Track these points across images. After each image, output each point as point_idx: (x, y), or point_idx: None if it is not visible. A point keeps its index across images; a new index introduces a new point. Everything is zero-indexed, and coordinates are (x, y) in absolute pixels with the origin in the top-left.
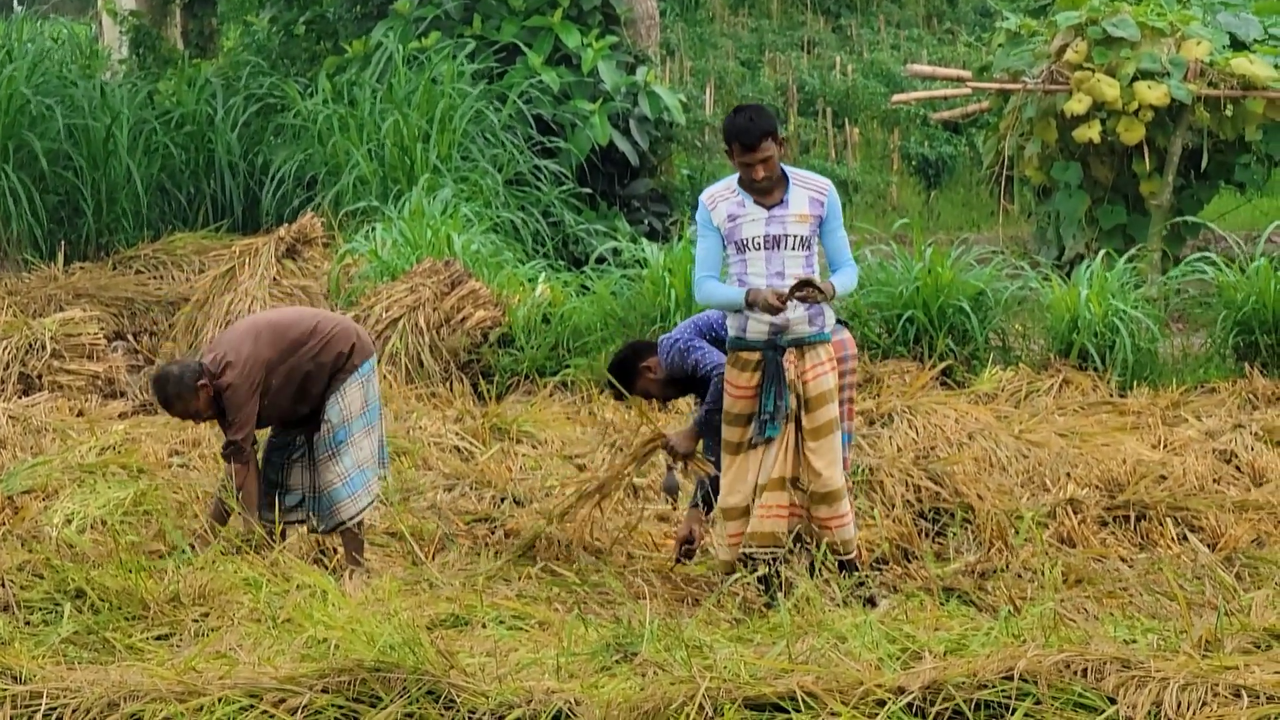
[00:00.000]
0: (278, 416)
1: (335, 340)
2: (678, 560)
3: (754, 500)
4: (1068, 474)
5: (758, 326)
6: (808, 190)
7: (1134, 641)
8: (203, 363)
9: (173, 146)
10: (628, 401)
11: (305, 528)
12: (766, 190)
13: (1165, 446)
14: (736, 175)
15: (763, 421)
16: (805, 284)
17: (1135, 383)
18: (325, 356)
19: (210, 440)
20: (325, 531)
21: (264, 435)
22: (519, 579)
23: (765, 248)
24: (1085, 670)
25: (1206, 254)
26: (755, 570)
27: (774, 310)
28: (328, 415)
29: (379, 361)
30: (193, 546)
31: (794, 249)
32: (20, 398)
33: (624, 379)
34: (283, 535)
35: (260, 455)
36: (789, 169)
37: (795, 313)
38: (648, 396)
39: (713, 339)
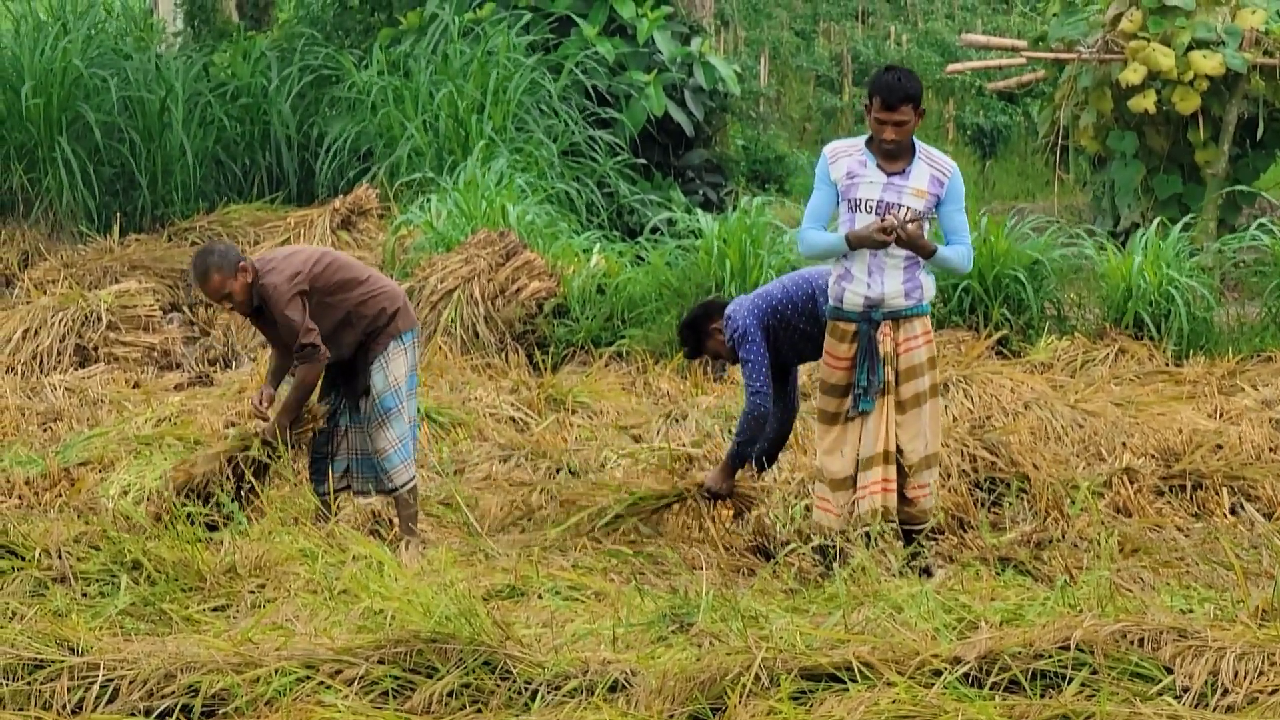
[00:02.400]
0: None
1: (381, 297)
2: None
3: (859, 474)
4: (1123, 443)
5: (854, 298)
6: (932, 168)
7: (1190, 611)
8: (253, 259)
9: (227, 119)
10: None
11: (353, 494)
12: (892, 156)
13: (1221, 415)
14: (865, 136)
15: (856, 395)
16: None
17: (1191, 351)
18: (367, 310)
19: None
20: (380, 493)
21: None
22: (574, 550)
23: (877, 211)
24: (1141, 640)
25: (1262, 222)
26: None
27: (881, 243)
28: (373, 381)
29: (434, 333)
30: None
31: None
32: (76, 369)
33: (694, 338)
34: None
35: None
36: (921, 144)
37: (890, 286)
38: (717, 357)
39: (776, 322)
